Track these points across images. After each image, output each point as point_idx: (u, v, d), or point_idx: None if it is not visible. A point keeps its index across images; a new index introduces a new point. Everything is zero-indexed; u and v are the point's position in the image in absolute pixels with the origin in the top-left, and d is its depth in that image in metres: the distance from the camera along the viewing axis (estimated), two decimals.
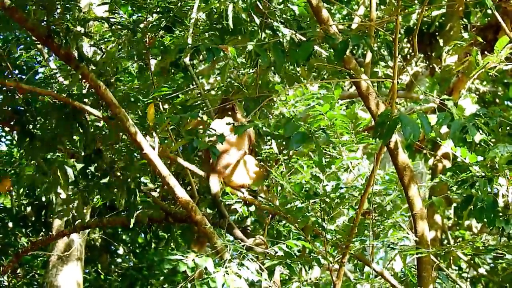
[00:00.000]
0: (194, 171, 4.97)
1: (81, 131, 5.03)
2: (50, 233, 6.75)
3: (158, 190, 5.60)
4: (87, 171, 5.20)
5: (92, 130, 5.14)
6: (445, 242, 8.84)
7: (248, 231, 5.18)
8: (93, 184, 5.23)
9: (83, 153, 5.21)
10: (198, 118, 4.63)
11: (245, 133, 4.87)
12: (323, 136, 4.20)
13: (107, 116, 4.72)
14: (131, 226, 5.38)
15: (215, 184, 4.78)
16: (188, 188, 5.17)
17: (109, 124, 4.88)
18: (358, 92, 4.23)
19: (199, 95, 5.53)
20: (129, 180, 5.21)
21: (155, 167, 4.35)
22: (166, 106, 5.39)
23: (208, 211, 5.27)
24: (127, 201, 5.22)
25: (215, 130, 4.40)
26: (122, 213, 5.76)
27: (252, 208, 4.81)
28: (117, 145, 5.23)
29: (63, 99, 4.76)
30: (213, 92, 5.95)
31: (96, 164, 5.18)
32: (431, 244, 4.19)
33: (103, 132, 5.19)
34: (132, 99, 4.97)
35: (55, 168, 5.14)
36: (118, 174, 5.19)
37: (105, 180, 5.18)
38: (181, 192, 4.37)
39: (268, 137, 4.83)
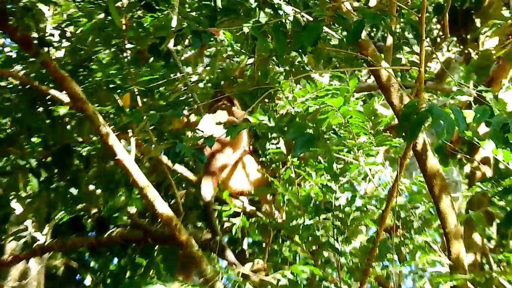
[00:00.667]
0: (184, 175, 4.94)
1: (47, 121, 5.03)
2: (1, 258, 6.73)
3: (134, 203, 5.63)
4: (52, 177, 5.21)
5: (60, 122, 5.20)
6: (486, 266, 8.82)
7: (246, 253, 5.18)
8: (57, 193, 5.25)
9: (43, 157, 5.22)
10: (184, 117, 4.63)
11: None
12: (335, 137, 4.26)
13: (78, 107, 4.67)
14: (101, 248, 5.38)
15: (207, 189, 4.77)
16: (172, 202, 5.20)
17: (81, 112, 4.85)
18: (377, 83, 4.26)
19: (184, 88, 5.52)
20: (103, 188, 5.31)
21: (130, 176, 4.36)
22: (144, 101, 5.39)
23: (198, 224, 5.27)
24: (100, 216, 5.23)
25: (202, 132, 4.39)
26: (91, 232, 5.74)
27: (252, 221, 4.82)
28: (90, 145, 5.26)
29: (27, 81, 4.76)
30: (201, 85, 5.95)
31: (62, 167, 5.18)
32: (469, 269, 4.19)
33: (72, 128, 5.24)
34: (104, 92, 5.04)
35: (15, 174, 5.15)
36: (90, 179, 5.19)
37: (74, 190, 5.19)
38: (162, 207, 4.38)
39: (274, 135, 4.84)
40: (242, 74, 5.43)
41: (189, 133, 4.56)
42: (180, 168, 4.94)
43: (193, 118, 5.13)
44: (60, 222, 6.30)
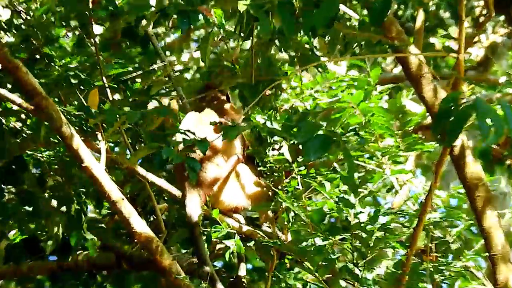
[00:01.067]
0: (164, 189, 4.97)
1: None
2: None
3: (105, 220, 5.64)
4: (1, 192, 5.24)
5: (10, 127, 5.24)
6: None
7: (243, 282, 5.18)
8: (6, 209, 5.27)
9: None
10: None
11: None
12: (354, 140, 4.27)
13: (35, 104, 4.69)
14: (65, 275, 5.38)
15: (194, 206, 4.76)
16: (152, 219, 5.16)
17: (36, 116, 4.90)
18: (405, 73, 4.26)
19: (167, 80, 5.55)
20: (70, 201, 5.28)
21: (100, 187, 4.35)
22: (117, 96, 5.41)
23: (183, 251, 5.28)
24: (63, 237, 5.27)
25: (194, 134, 4.40)
26: (51, 256, 5.75)
27: (251, 245, 4.84)
28: (48, 151, 5.27)
29: None
30: (188, 75, 5.95)
31: (13, 182, 5.19)
32: None
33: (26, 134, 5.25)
34: (68, 83, 5.02)
35: None
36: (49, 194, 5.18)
37: (28, 207, 5.20)
38: (140, 225, 4.36)
39: (276, 138, 4.82)
40: (237, 62, 5.41)
41: (178, 136, 4.54)
42: (159, 181, 4.93)
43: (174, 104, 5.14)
44: (13, 242, 6.29)
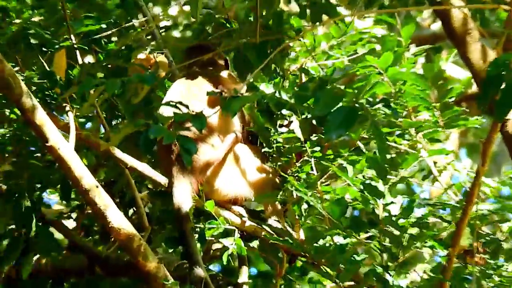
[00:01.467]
0: (147, 175, 4.97)
1: None
2: None
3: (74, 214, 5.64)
4: None
5: None
6: None
7: None
8: None
9: None
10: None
11: None
12: (382, 114, 4.26)
13: None
14: (24, 284, 5.40)
15: (183, 197, 4.75)
16: (132, 211, 5.20)
17: None
18: (446, 30, 4.31)
19: (151, 40, 5.54)
20: (21, 194, 5.28)
21: (69, 172, 4.37)
22: (90, 59, 5.39)
23: (170, 251, 5.30)
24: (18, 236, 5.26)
25: (186, 107, 4.39)
26: (8, 261, 5.77)
27: (255, 245, 4.85)
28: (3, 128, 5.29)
29: None
30: (176, 33, 5.93)
31: None
32: None
33: None
34: (27, 44, 4.99)
35: None
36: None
37: None
38: (118, 219, 4.39)
39: (285, 112, 4.78)
40: (236, 16, 5.40)
41: (164, 109, 4.54)
42: (140, 166, 4.93)
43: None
44: None
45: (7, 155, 5.40)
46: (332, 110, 3.71)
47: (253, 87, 4.64)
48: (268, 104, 4.73)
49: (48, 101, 5.00)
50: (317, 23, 4.92)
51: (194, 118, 4.13)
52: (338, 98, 3.75)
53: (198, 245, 4.71)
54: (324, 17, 5.10)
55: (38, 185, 5.56)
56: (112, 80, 4.29)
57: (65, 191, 5.69)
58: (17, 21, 5.16)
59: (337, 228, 4.39)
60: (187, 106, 4.37)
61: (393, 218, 4.33)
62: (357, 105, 3.79)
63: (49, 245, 5.57)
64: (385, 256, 4.38)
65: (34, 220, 5.41)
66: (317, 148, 4.65)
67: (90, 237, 5.70)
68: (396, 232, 4.35)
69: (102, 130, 5.39)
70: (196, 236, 4.73)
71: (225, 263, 4.56)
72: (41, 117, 4.35)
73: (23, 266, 5.53)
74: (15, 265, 5.56)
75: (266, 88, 4.56)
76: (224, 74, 5.20)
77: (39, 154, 5.45)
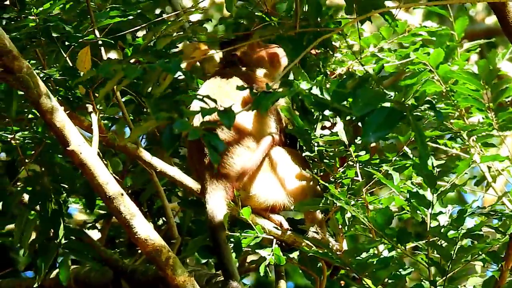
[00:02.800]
0: (178, 180, 4.93)
1: None
2: None
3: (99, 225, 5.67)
4: None
5: None
6: None
7: None
8: None
9: None
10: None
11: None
12: (431, 115, 4.25)
13: (2, 69, 4.65)
14: None
15: (217, 204, 4.75)
16: (161, 221, 5.15)
17: (5, 82, 4.91)
18: (502, 24, 4.19)
19: (181, 33, 5.48)
20: (46, 196, 5.28)
21: (92, 179, 4.37)
22: (114, 55, 5.31)
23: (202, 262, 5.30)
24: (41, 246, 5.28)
25: (214, 101, 4.29)
26: (26, 272, 5.83)
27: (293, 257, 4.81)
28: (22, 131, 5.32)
29: None
30: (208, 28, 5.85)
31: None
32: None
33: None
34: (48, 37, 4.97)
35: None
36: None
37: None
38: (145, 229, 4.39)
39: (327, 112, 4.76)
40: (275, 10, 5.38)
41: (194, 105, 4.54)
42: (170, 170, 4.87)
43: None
44: None
45: (27, 160, 5.41)
46: (371, 110, 3.60)
47: (287, 83, 4.55)
48: (303, 103, 4.75)
49: (71, 100, 5.01)
50: (364, 16, 4.85)
51: (222, 113, 4.02)
52: (379, 98, 3.63)
53: (233, 255, 4.71)
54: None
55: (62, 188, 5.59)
56: (132, 66, 4.24)
57: (89, 199, 5.74)
58: (37, 13, 5.14)
59: (381, 239, 4.38)
60: (215, 101, 4.28)
61: (442, 229, 4.30)
62: (400, 105, 3.67)
63: (81, 251, 5.62)
64: (432, 270, 4.38)
65: (62, 225, 5.44)
66: (363, 153, 4.65)
67: (116, 249, 5.70)
68: (445, 244, 4.33)
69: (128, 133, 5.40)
70: (231, 245, 4.73)
71: (262, 274, 4.61)
72: (62, 119, 4.39)
73: (61, 272, 5.57)
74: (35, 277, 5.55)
75: (306, 86, 4.50)
76: (260, 73, 5.17)
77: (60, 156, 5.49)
